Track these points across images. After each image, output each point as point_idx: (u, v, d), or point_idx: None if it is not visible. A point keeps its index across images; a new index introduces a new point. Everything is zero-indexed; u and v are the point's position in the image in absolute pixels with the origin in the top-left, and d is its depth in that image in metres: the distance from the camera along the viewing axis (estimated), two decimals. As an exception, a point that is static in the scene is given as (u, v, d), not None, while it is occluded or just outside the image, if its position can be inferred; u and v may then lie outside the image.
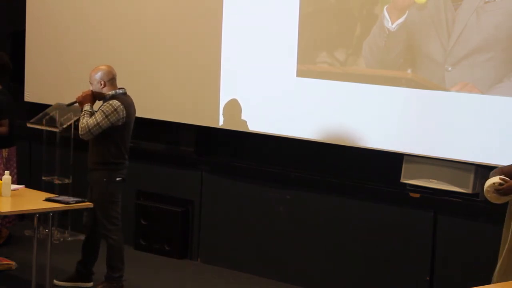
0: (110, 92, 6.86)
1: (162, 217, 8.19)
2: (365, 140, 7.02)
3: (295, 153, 7.70)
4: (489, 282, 5.36)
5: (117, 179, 6.88)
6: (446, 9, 6.54)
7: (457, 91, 6.53)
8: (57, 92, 8.96)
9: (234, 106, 7.79)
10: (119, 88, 6.91)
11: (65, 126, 8.41)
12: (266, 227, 7.68)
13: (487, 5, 6.34)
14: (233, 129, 7.85)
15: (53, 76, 9.14)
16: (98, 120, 6.74)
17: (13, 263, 7.47)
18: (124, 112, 6.79)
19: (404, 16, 6.78)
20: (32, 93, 9.27)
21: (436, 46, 6.59)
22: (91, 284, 7.14)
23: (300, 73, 7.37)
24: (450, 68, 6.55)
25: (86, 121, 6.76)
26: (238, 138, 7.99)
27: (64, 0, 9.08)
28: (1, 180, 6.73)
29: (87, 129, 6.75)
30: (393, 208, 6.94)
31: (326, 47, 7.22)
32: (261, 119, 7.62)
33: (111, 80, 6.90)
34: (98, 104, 6.99)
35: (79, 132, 6.81)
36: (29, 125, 8.55)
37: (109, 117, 6.74)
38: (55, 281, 7.08)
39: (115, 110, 6.75)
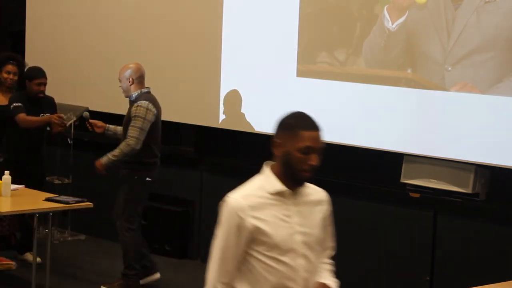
0: (134, 93, 6.88)
1: (162, 217, 8.19)
2: (365, 140, 7.01)
3: (295, 153, 7.68)
4: (489, 281, 5.34)
5: (147, 179, 6.89)
6: (446, 9, 6.54)
7: (457, 91, 6.52)
8: (57, 92, 8.95)
9: (234, 106, 7.79)
10: (144, 88, 6.93)
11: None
12: (266, 227, 7.66)
13: (487, 5, 6.34)
14: (233, 129, 7.85)
15: (53, 76, 9.13)
16: (139, 125, 6.76)
17: (13, 263, 7.48)
18: (154, 109, 6.85)
19: (404, 16, 6.78)
20: (32, 93, 9.26)
21: (436, 46, 6.59)
22: (158, 275, 7.19)
23: (300, 73, 7.37)
24: (450, 68, 6.55)
25: (131, 134, 6.74)
26: (238, 138, 7.98)
27: (64, 0, 9.08)
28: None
29: (135, 138, 6.74)
30: (393, 208, 6.94)
31: (326, 47, 7.22)
32: (261, 119, 7.62)
33: (139, 78, 6.93)
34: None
35: (132, 147, 6.72)
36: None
37: (146, 118, 6.79)
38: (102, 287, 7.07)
39: (147, 109, 6.80)
